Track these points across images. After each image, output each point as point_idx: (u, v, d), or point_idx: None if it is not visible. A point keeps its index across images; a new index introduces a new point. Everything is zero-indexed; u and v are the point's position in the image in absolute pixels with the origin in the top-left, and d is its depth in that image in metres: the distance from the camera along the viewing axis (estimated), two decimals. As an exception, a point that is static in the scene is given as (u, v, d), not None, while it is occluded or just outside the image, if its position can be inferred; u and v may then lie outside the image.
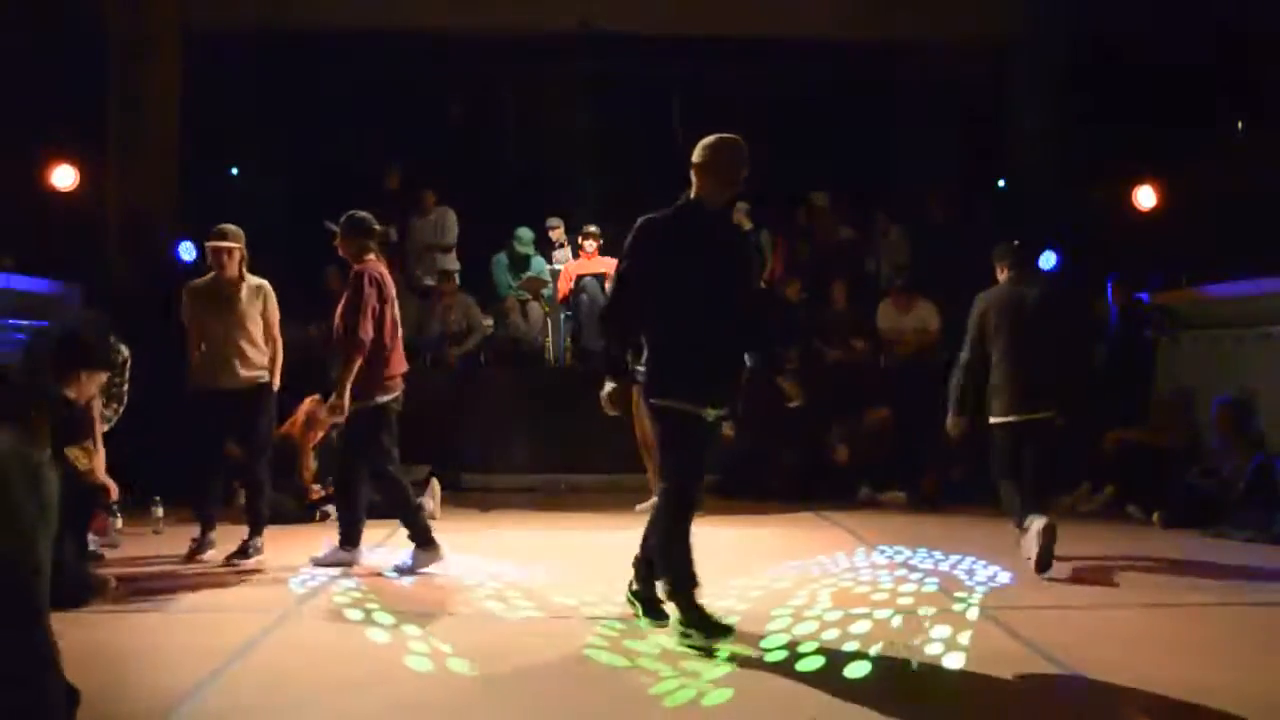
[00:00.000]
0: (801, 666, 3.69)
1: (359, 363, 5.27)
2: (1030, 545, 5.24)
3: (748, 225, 10.38)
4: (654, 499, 7.34)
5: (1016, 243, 5.96)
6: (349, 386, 5.25)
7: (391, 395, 5.47)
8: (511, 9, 10.14)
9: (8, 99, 7.69)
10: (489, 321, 9.60)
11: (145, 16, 9.38)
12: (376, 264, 5.49)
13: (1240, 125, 7.90)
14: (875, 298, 9.76)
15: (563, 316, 9.74)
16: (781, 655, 3.81)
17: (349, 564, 5.43)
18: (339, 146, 10.45)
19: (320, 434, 7.06)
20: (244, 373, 5.74)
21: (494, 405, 8.79)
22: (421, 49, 10.46)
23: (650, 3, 10.32)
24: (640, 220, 4.15)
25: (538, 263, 10.03)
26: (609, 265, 9.70)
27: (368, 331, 5.29)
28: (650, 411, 4.21)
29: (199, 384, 5.72)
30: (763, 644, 3.95)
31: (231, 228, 5.86)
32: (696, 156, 4.14)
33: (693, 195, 4.16)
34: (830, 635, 4.09)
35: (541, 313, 9.76)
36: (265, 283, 5.91)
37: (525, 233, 9.99)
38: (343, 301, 5.40)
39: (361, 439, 5.42)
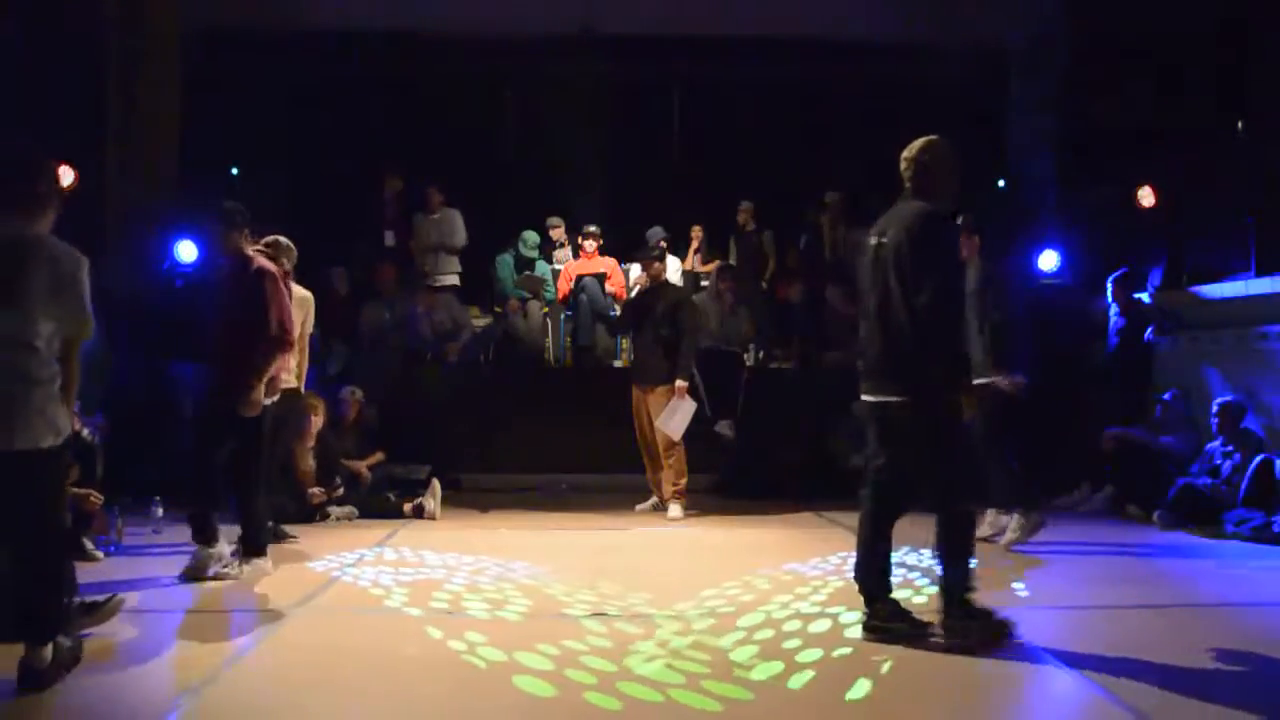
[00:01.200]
0: (798, 666, 3.69)
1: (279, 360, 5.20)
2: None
3: (752, 226, 10.42)
4: (654, 499, 7.45)
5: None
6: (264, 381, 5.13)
7: (274, 399, 5.34)
8: (512, 9, 10.14)
9: (8, 99, 7.69)
10: (486, 320, 9.61)
11: (145, 16, 9.38)
12: (267, 260, 5.31)
13: (1240, 125, 7.89)
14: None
15: (563, 316, 9.75)
16: (776, 655, 3.81)
17: (267, 572, 5.20)
18: (339, 147, 10.46)
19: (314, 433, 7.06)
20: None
21: (494, 405, 8.80)
22: (422, 49, 10.46)
23: (650, 3, 10.32)
24: (944, 219, 4.10)
25: (542, 266, 10.05)
26: (609, 265, 9.74)
27: (293, 329, 5.26)
28: (940, 414, 3.99)
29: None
30: (757, 647, 3.96)
31: (285, 240, 5.94)
32: (926, 157, 4.11)
33: (935, 197, 4.11)
34: (825, 634, 4.10)
35: (541, 313, 9.76)
36: (309, 295, 6.10)
37: (531, 236, 9.99)
38: (243, 297, 5.13)
39: (263, 437, 5.22)
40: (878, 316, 4.07)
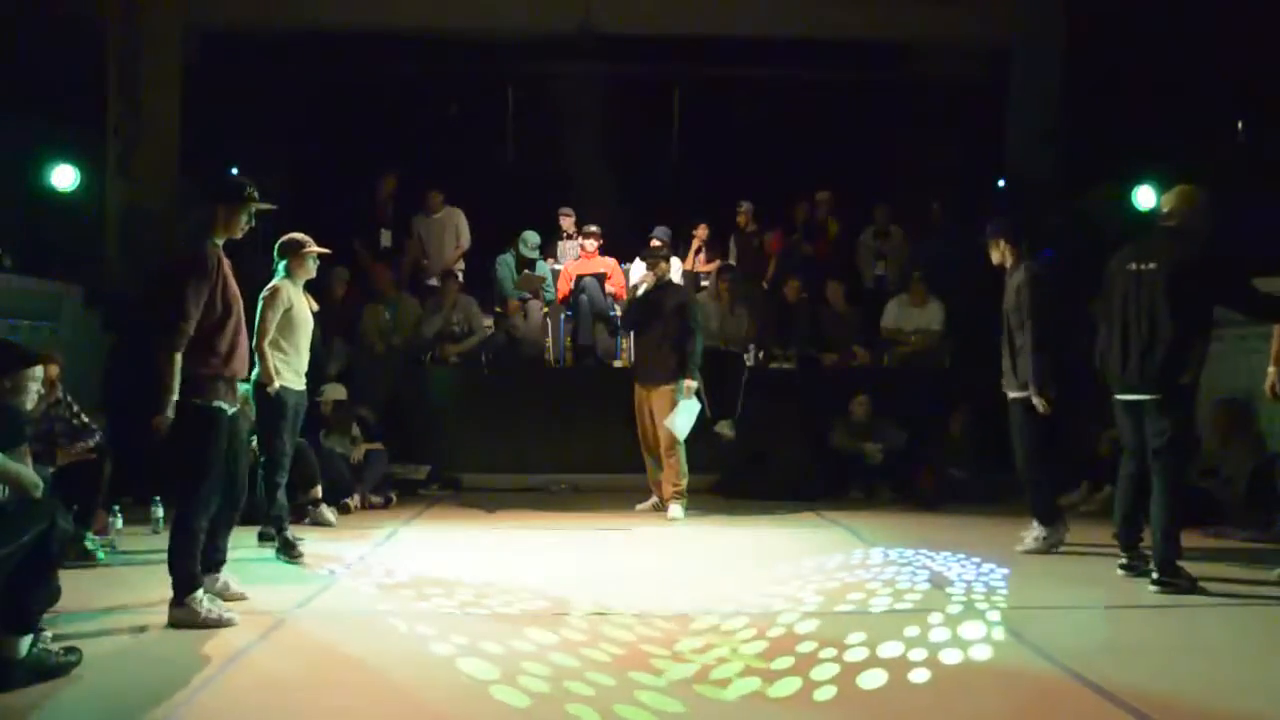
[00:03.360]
0: (793, 666, 3.69)
1: None
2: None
3: (752, 226, 10.41)
4: (654, 499, 7.44)
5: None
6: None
7: None
8: (512, 9, 10.14)
9: (8, 99, 7.69)
10: (488, 322, 9.61)
11: (145, 16, 9.40)
12: None
13: (1240, 125, 7.90)
14: (872, 299, 9.76)
15: (562, 316, 9.75)
16: (774, 656, 3.81)
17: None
18: (339, 147, 10.45)
19: None
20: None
21: (494, 405, 8.80)
22: (422, 49, 10.46)
23: (650, 3, 10.33)
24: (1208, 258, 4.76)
25: (542, 266, 10.04)
26: (609, 265, 9.73)
27: None
28: (1191, 406, 4.94)
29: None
30: (758, 646, 3.96)
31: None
32: (1185, 206, 4.83)
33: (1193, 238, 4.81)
34: (825, 634, 4.09)
35: (541, 313, 9.76)
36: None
37: (531, 236, 9.98)
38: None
39: None
40: (1149, 333, 4.78)
